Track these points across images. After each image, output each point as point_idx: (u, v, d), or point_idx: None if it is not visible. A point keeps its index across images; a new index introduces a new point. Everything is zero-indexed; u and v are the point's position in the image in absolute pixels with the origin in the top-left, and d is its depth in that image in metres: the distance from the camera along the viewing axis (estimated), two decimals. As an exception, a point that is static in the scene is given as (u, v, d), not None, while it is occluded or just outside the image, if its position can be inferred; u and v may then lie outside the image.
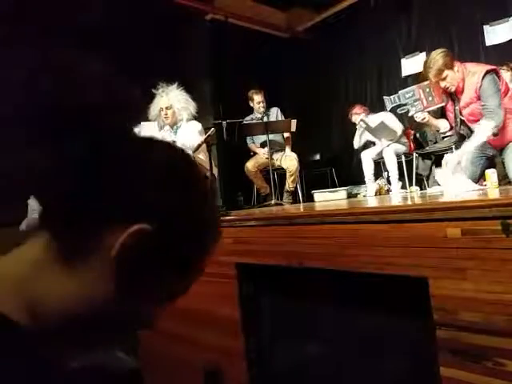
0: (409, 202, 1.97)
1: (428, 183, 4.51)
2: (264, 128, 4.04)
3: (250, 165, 4.37)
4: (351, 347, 1.56)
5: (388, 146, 4.30)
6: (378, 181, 4.36)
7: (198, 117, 4.94)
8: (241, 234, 1.82)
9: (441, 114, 3.05)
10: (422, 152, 4.57)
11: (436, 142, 4.56)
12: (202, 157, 3.07)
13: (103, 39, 4.35)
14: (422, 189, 4.27)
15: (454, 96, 2.71)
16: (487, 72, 2.50)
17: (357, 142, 4.71)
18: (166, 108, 3.40)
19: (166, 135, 3.33)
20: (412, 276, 1.20)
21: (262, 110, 4.46)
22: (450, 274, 1.11)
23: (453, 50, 4.82)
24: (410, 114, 2.89)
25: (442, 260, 1.12)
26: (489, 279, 1.04)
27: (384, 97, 2.98)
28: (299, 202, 4.28)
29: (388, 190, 4.25)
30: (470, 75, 2.56)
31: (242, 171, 4.44)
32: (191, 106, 3.46)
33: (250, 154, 4.59)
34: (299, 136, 4.52)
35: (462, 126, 2.77)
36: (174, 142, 3.18)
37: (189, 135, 3.23)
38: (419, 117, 2.79)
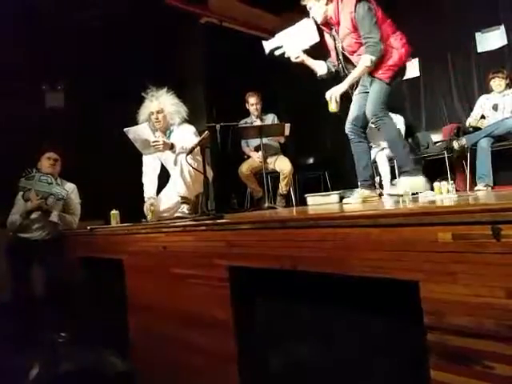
0: (400, 206, 1.98)
1: (420, 188, 4.54)
2: (258, 132, 4.05)
3: (244, 168, 4.37)
4: (344, 350, 1.56)
5: (382, 149, 4.32)
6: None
7: (192, 120, 4.94)
8: (234, 238, 1.82)
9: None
10: (415, 157, 4.60)
11: (427, 147, 4.60)
12: (200, 158, 3.06)
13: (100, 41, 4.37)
14: (413, 193, 4.29)
15: (334, 32, 2.66)
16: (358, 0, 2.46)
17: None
18: (157, 112, 3.28)
19: None
20: (403, 280, 1.21)
21: (256, 112, 4.47)
22: (440, 277, 1.12)
23: (445, 56, 4.88)
24: (286, 56, 2.76)
25: (433, 264, 1.13)
26: (479, 283, 1.05)
27: (262, 41, 2.81)
28: (292, 206, 4.29)
29: (380, 194, 4.27)
30: (345, 5, 2.51)
31: (235, 174, 4.44)
32: (183, 110, 3.37)
33: (243, 157, 4.59)
34: (293, 140, 4.53)
35: (344, 63, 2.70)
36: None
37: (187, 138, 3.19)
38: (293, 56, 2.71)
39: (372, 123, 2.56)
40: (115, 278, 2.71)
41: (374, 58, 2.43)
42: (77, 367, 2.12)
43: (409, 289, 1.19)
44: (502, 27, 4.42)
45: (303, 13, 2.67)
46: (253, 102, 4.47)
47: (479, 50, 4.60)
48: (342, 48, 2.65)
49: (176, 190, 3.11)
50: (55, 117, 4.27)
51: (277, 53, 2.74)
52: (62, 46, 4.15)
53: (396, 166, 2.64)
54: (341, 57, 2.69)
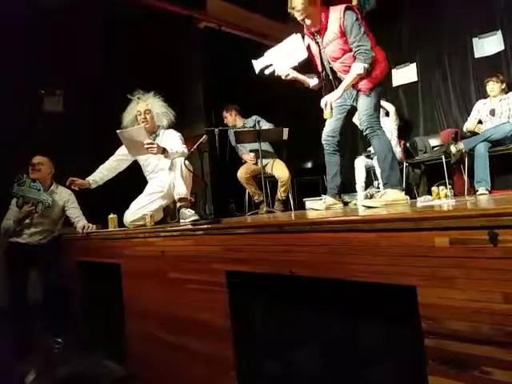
0: (398, 211, 1.99)
1: (418, 192, 4.55)
2: (256, 136, 4.05)
3: (242, 172, 4.38)
4: (342, 355, 1.56)
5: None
6: (368, 189, 4.38)
7: (191, 124, 4.95)
8: (231, 242, 1.82)
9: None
10: (413, 161, 4.62)
11: (426, 152, 4.61)
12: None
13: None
14: (411, 198, 4.30)
15: (318, 38, 2.64)
16: (347, 8, 2.48)
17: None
18: (145, 112, 3.25)
19: None
20: (400, 285, 1.21)
21: (229, 124, 4.58)
22: (438, 282, 1.12)
23: (443, 61, 4.91)
24: (276, 74, 2.73)
25: (430, 269, 1.13)
26: (476, 288, 1.05)
27: (252, 61, 2.79)
28: (290, 210, 4.29)
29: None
30: (333, 11, 2.52)
31: (234, 178, 4.44)
32: (171, 112, 3.35)
33: (242, 161, 4.60)
34: (292, 144, 4.53)
35: (330, 69, 2.69)
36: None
37: (175, 142, 3.17)
38: (283, 74, 2.70)
39: (365, 135, 2.57)
40: (112, 282, 2.70)
41: (366, 65, 2.45)
42: (73, 373, 2.11)
43: (407, 294, 1.19)
44: (499, 32, 4.44)
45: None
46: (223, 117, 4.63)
47: (476, 55, 4.62)
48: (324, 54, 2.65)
49: (176, 191, 3.07)
50: (53, 121, 4.26)
51: (267, 71, 2.74)
52: (62, 48, 4.15)
53: (381, 178, 2.63)
54: (325, 63, 2.68)
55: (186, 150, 3.05)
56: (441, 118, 4.98)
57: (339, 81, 2.67)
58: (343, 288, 1.42)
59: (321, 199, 2.82)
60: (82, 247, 3.22)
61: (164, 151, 2.96)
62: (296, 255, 1.53)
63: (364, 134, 2.58)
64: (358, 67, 2.46)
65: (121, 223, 3.30)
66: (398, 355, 1.39)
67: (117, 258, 2.70)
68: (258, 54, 2.85)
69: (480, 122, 4.15)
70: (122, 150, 3.33)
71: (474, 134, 4.12)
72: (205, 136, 2.92)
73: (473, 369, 1.05)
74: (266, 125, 4.35)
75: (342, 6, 2.49)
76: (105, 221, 3.37)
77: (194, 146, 2.85)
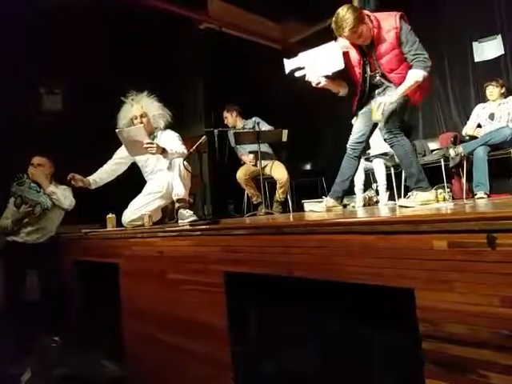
0: (397, 214, 1.99)
1: (417, 195, 4.55)
2: (255, 137, 4.05)
3: (242, 173, 4.39)
4: (339, 357, 1.56)
5: (378, 156, 4.33)
6: (366, 192, 4.38)
7: (191, 124, 4.95)
8: (230, 243, 1.82)
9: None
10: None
11: (425, 155, 4.61)
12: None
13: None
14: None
15: (365, 48, 2.52)
16: (401, 16, 2.41)
17: None
18: (141, 116, 3.20)
19: None
20: (398, 287, 1.21)
21: (229, 125, 4.57)
22: (436, 285, 1.12)
23: (442, 65, 4.92)
24: (306, 79, 2.59)
25: (429, 272, 1.13)
26: (474, 292, 1.05)
27: (284, 59, 2.64)
28: (289, 212, 4.29)
29: (377, 202, 4.28)
30: (384, 20, 2.43)
31: (233, 179, 4.45)
32: (167, 113, 3.32)
33: (241, 162, 4.60)
34: (291, 145, 4.53)
35: (376, 78, 2.58)
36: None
37: (174, 142, 3.17)
38: (313, 81, 2.57)
39: (385, 140, 2.53)
40: (110, 282, 2.70)
41: (426, 73, 2.38)
42: (70, 372, 2.10)
43: (405, 296, 1.19)
44: (499, 37, 4.45)
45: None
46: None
47: (476, 59, 4.63)
48: (378, 65, 2.53)
49: (175, 191, 3.08)
50: (52, 119, 4.26)
51: (297, 74, 2.61)
52: (61, 48, 4.15)
53: (408, 183, 2.61)
54: (367, 74, 2.58)
55: (185, 151, 3.05)
56: (440, 121, 4.99)
57: (374, 89, 2.61)
58: (341, 290, 1.42)
59: (320, 201, 2.81)
60: (80, 247, 3.22)
61: (163, 151, 2.96)
62: (294, 257, 1.53)
63: (383, 138, 2.54)
64: (418, 74, 2.38)
65: (119, 223, 3.30)
66: (396, 358, 1.39)
67: (115, 257, 2.69)
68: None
69: (479, 126, 4.16)
70: (121, 153, 3.32)
71: (473, 137, 4.13)
72: (204, 137, 2.91)
73: (470, 372, 1.05)
74: (265, 126, 4.35)
75: (396, 14, 2.41)
76: (103, 220, 3.37)
77: (193, 147, 2.84)
